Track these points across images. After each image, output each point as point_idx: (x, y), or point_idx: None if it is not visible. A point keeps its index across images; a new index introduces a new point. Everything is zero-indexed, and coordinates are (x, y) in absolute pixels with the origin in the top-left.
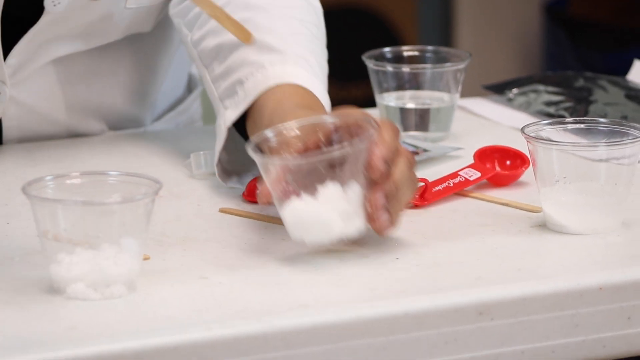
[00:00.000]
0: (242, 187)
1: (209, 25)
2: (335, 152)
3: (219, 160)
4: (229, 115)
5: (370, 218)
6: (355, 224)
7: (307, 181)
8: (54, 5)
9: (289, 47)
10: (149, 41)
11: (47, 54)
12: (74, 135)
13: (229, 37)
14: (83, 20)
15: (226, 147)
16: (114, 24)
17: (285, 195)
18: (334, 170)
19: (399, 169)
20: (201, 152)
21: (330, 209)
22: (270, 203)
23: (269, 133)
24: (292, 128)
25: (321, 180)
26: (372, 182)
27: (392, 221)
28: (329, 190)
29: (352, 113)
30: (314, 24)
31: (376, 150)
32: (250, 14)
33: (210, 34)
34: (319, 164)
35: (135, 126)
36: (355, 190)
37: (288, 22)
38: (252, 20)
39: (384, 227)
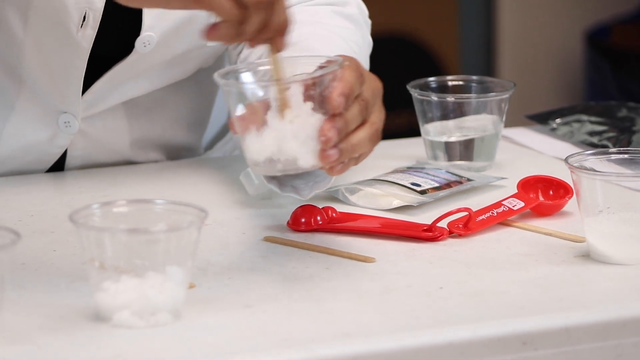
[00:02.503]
0: (280, 193)
1: None
2: (293, 79)
3: None
4: None
5: (320, 152)
6: (308, 155)
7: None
8: (144, 46)
9: (324, 49)
10: (206, 72)
11: (122, 94)
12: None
13: None
14: (163, 58)
15: None
16: (189, 62)
17: (247, 123)
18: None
19: (352, 111)
20: (248, 169)
21: (287, 139)
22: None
23: (240, 64)
24: (265, 63)
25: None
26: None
27: (341, 159)
28: (286, 120)
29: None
30: (356, 43)
31: (336, 84)
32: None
33: (256, 48)
34: (281, 92)
35: (191, 155)
36: (311, 122)
37: (327, 35)
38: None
39: (331, 161)
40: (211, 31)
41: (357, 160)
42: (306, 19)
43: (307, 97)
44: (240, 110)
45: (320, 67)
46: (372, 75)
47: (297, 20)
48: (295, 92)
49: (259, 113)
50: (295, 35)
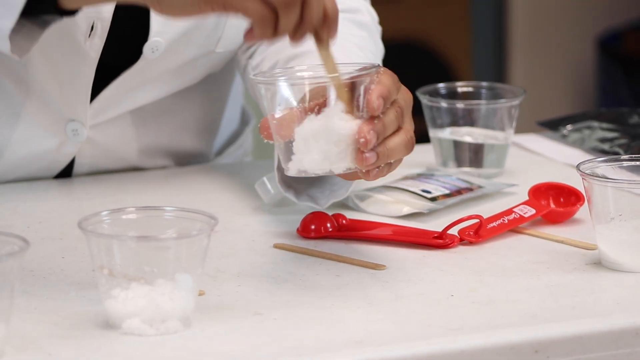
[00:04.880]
0: (296, 202)
1: (269, 50)
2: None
3: (278, 167)
4: None
5: (358, 155)
6: (342, 162)
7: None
8: (152, 52)
9: (343, 58)
10: (214, 78)
11: (130, 102)
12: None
13: (285, 53)
14: (171, 64)
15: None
16: (197, 68)
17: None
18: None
19: (389, 116)
20: (264, 178)
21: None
22: (269, 137)
23: (277, 70)
24: (303, 68)
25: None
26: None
27: (377, 163)
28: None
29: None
30: (370, 51)
31: (375, 87)
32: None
33: (269, 55)
34: (324, 91)
35: (200, 162)
36: (349, 127)
37: (343, 44)
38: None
39: (368, 164)
40: (247, 35)
41: (390, 167)
42: None
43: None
44: (279, 112)
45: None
46: (403, 86)
47: None
48: (334, 94)
49: (297, 117)
50: (310, 43)
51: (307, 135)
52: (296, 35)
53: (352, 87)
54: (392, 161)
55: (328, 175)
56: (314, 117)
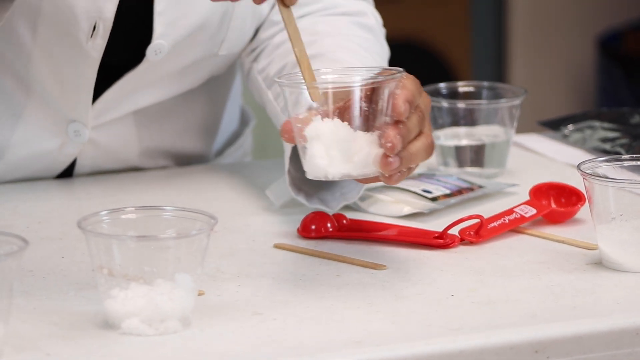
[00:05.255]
0: (307, 205)
1: (275, 52)
2: (355, 83)
3: (289, 170)
4: None
5: (382, 159)
6: (365, 167)
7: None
8: (155, 54)
9: (352, 60)
10: (216, 80)
11: (132, 103)
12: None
13: (292, 58)
14: (174, 67)
15: (294, 164)
16: (200, 71)
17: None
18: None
19: (412, 120)
20: (274, 184)
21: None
22: (290, 140)
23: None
24: (326, 72)
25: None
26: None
27: (400, 168)
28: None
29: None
30: (377, 53)
31: (400, 92)
32: (317, 37)
33: (275, 59)
34: (346, 95)
35: (200, 162)
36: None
37: (351, 46)
38: (317, 42)
39: (392, 168)
40: None
41: (409, 171)
42: (327, 30)
43: (370, 103)
44: (302, 115)
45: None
46: (424, 90)
47: (318, 31)
48: (357, 97)
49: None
50: (319, 46)
51: (326, 139)
52: None
53: (377, 91)
54: (413, 165)
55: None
56: (334, 121)
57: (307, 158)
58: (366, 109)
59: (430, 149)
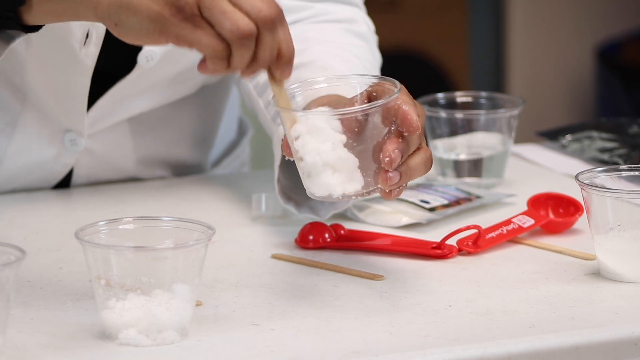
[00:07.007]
0: (297, 214)
1: None
2: (359, 108)
3: (279, 179)
4: (281, 130)
5: (382, 174)
6: (356, 183)
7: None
8: (147, 61)
9: (342, 68)
10: (210, 89)
11: (126, 110)
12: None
13: None
14: (167, 74)
15: (284, 172)
16: (192, 78)
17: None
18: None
19: (412, 135)
20: (262, 194)
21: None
22: (290, 155)
23: (295, 88)
24: (320, 82)
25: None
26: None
27: (400, 183)
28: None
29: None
30: (368, 61)
31: (407, 108)
32: (307, 45)
33: None
34: (347, 118)
35: (197, 172)
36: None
37: (341, 54)
38: (307, 50)
39: (392, 183)
40: (201, 66)
41: (406, 186)
42: (317, 37)
43: (365, 122)
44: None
45: (371, 87)
46: (417, 102)
47: (308, 38)
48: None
49: None
50: (309, 53)
51: (325, 158)
52: (248, 71)
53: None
54: (412, 180)
55: None
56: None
57: (304, 174)
58: (362, 127)
59: (429, 162)
